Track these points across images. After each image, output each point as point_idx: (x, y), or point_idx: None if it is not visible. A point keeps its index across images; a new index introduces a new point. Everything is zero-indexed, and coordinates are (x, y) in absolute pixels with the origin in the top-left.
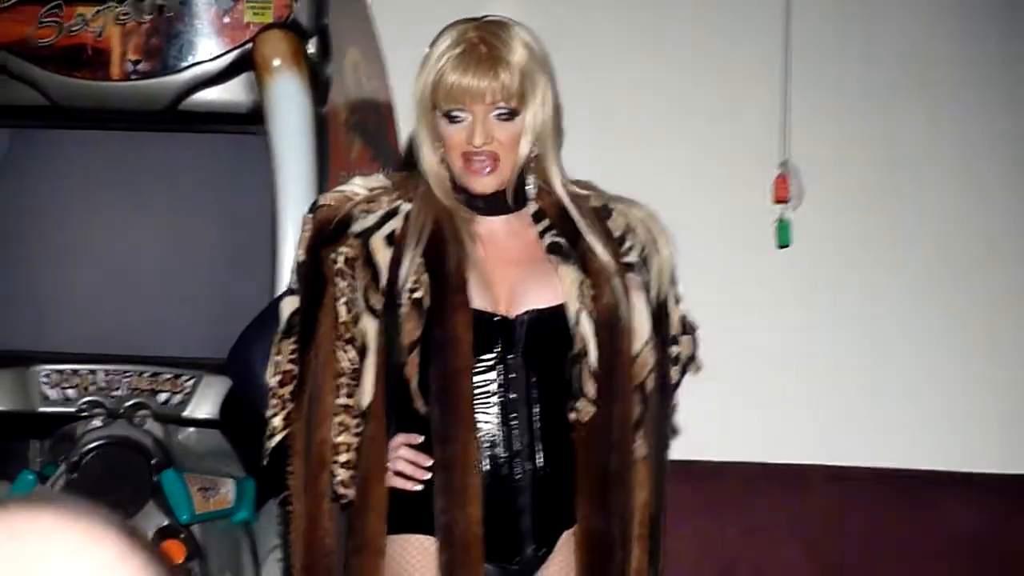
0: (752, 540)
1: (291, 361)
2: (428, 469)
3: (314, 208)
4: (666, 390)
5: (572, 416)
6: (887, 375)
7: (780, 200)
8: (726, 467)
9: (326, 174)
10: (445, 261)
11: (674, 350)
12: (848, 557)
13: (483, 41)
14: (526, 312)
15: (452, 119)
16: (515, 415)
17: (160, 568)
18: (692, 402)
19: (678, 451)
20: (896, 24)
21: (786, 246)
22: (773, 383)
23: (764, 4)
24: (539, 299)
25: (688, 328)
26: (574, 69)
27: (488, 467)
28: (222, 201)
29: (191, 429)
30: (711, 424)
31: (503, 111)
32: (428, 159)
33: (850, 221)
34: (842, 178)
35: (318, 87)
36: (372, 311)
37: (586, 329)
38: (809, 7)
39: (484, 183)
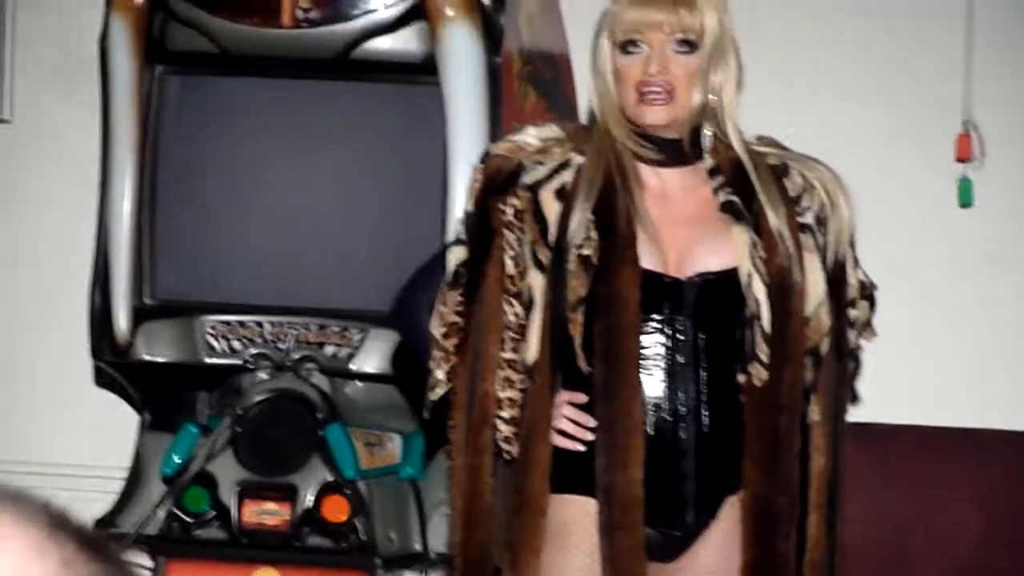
0: (927, 504)
1: (456, 313)
2: (591, 429)
3: (485, 158)
4: (843, 355)
5: (741, 379)
6: None
7: (962, 159)
8: (903, 429)
9: (499, 125)
10: (615, 217)
11: (851, 313)
12: None
13: None
14: (698, 275)
15: (628, 51)
16: (681, 377)
17: (99, 563)
18: (868, 363)
19: (853, 412)
20: None
21: (968, 205)
22: (950, 345)
23: None
24: (710, 261)
25: (867, 292)
26: (751, 24)
27: (652, 430)
28: (392, 152)
29: (358, 383)
30: (885, 386)
31: (681, 44)
32: (605, 90)
33: None
34: None
35: (492, 37)
36: (540, 266)
37: (758, 291)
38: None
39: (657, 114)
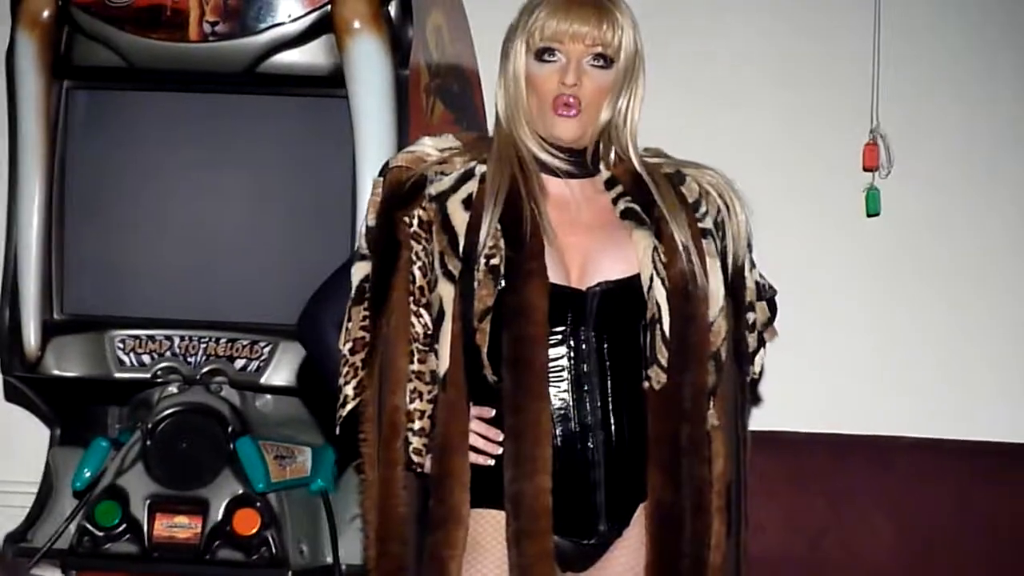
0: (840, 511)
1: (362, 328)
2: (499, 443)
3: (384, 170)
4: (742, 358)
5: (645, 385)
6: (975, 346)
7: (869, 168)
8: (813, 438)
9: (406, 137)
10: (521, 226)
11: (750, 316)
12: (937, 529)
13: None
14: (598, 284)
15: (544, 60)
16: (587, 387)
17: None
18: (778, 372)
19: (764, 422)
20: None
21: (875, 215)
22: (860, 353)
23: None
24: (612, 269)
25: (764, 292)
26: (661, 32)
27: (560, 441)
28: (301, 165)
29: (268, 396)
30: (797, 395)
31: (599, 58)
32: (516, 95)
33: (940, 191)
34: (933, 147)
35: (399, 50)
36: (449, 276)
37: (659, 296)
38: None
39: (568, 127)
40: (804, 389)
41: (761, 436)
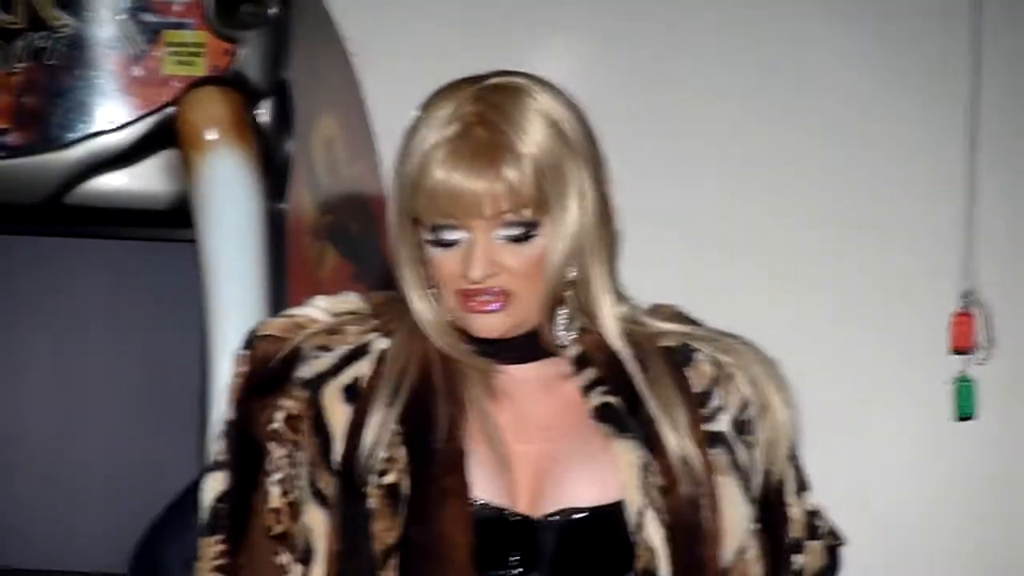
0: None
1: (216, 568)
2: None
3: (250, 341)
4: None
5: None
6: None
7: (961, 349)
8: None
9: (283, 300)
10: (432, 428)
11: (796, 561)
12: None
13: (482, 120)
14: (558, 512)
15: (440, 240)
16: None
17: None
18: None
19: None
20: None
21: (968, 417)
22: None
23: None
24: (579, 491)
25: (819, 530)
26: (676, 160)
27: None
28: (129, 338)
29: None
30: None
31: (513, 228)
32: (412, 293)
33: None
34: None
35: (273, 172)
36: (320, 499)
37: (654, 536)
38: (998, 110)
39: (491, 324)
40: None
41: None
